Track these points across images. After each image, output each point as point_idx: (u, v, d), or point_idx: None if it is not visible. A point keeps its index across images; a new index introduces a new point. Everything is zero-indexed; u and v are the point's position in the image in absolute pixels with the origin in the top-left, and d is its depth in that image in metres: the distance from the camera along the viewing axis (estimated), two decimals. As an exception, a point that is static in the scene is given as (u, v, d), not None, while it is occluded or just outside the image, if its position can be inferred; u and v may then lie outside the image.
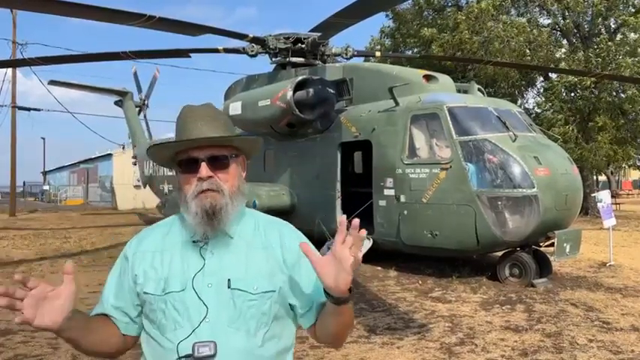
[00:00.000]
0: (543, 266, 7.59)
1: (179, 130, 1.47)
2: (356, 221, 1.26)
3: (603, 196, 9.35)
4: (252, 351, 1.36)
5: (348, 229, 1.26)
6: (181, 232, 1.47)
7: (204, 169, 1.40)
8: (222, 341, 1.33)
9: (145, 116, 18.93)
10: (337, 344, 1.57)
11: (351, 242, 1.24)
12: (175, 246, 1.45)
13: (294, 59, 10.68)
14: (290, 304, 1.46)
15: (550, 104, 18.17)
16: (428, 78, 8.97)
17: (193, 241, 1.43)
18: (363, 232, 1.26)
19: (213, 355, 1.31)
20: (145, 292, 1.42)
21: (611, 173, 29.85)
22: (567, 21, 18.80)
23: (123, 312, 1.48)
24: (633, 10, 17.87)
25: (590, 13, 18.30)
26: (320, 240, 8.93)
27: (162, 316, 1.39)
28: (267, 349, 1.40)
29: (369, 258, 8.54)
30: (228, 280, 1.38)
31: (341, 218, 1.28)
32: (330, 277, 1.26)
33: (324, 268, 1.27)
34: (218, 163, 1.43)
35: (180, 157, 1.45)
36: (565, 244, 7.32)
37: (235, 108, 10.20)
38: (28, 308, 1.23)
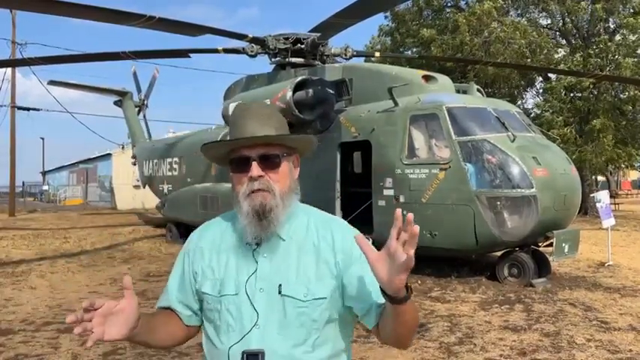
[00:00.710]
0: (542, 266, 7.62)
1: (233, 128, 1.46)
2: (410, 216, 1.18)
3: (602, 197, 9.38)
4: (299, 358, 1.35)
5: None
6: (237, 232, 1.47)
7: (255, 169, 1.38)
8: (270, 349, 1.32)
9: (144, 116, 18.91)
10: (402, 345, 1.48)
11: (405, 238, 1.16)
12: (230, 247, 1.46)
13: (293, 59, 10.69)
14: (347, 307, 1.42)
15: (549, 105, 18.19)
16: (427, 78, 8.99)
17: (247, 243, 1.43)
18: (416, 228, 1.16)
19: None
20: (203, 292, 1.45)
21: (610, 173, 29.88)
22: (567, 22, 18.83)
23: (186, 305, 1.51)
24: (632, 11, 17.87)
25: (588, 15, 18.30)
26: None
27: (218, 317, 1.41)
28: (318, 354, 1.38)
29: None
30: (279, 285, 1.37)
31: (396, 212, 1.18)
32: (383, 273, 1.20)
33: (377, 263, 1.21)
34: (269, 163, 1.40)
35: (233, 155, 1.44)
36: (564, 244, 7.34)
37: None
38: (97, 327, 1.25)
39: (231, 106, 10.37)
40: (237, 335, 1.36)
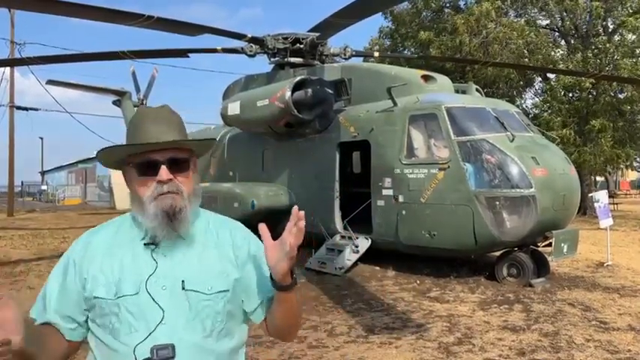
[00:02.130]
0: (541, 266, 7.61)
1: (135, 131, 1.43)
2: (301, 213, 1.33)
3: (600, 197, 9.37)
4: (207, 348, 1.39)
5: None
6: (131, 233, 1.46)
7: (164, 173, 1.38)
8: (179, 342, 1.35)
9: (143, 116, 18.90)
10: (287, 336, 1.66)
11: (290, 230, 1.33)
12: (125, 248, 1.43)
13: (292, 59, 10.68)
14: (242, 301, 1.50)
15: (548, 105, 18.18)
16: (426, 78, 8.99)
17: (145, 244, 1.42)
18: (302, 223, 1.32)
19: (173, 357, 1.32)
20: (96, 297, 1.39)
21: (609, 174, 29.90)
22: (565, 21, 18.83)
23: (69, 318, 1.44)
24: (631, 11, 17.88)
25: (587, 14, 18.29)
26: (318, 240, 8.95)
27: (116, 320, 1.37)
28: (222, 346, 1.43)
29: (368, 258, 8.58)
30: (182, 281, 1.39)
31: (294, 209, 1.34)
32: (273, 259, 1.35)
33: (271, 249, 1.36)
34: (178, 166, 1.42)
35: (137, 159, 1.42)
36: (562, 244, 7.34)
37: (234, 108, 10.22)
38: None
39: (230, 106, 10.37)
40: (142, 334, 1.35)
